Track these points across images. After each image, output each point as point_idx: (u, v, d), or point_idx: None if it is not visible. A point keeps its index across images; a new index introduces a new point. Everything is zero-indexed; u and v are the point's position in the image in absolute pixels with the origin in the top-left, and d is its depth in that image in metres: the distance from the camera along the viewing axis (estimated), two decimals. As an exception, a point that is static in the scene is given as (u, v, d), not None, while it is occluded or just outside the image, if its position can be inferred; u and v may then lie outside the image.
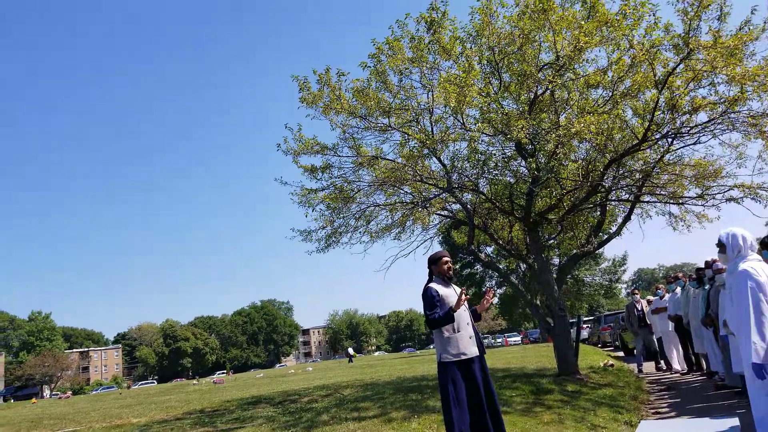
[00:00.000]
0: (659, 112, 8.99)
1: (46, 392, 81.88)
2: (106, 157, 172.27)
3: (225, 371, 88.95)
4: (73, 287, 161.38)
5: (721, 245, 4.79)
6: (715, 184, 10.80)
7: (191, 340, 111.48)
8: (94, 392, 63.04)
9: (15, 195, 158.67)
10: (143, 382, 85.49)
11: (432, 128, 10.14)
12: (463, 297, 4.68)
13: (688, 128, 9.42)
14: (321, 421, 7.25)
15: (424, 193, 11.76)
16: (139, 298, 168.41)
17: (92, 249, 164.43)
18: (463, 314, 4.83)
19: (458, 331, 4.76)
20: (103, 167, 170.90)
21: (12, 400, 57.03)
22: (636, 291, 13.27)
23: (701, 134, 9.55)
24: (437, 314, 4.74)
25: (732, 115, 8.98)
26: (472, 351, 4.76)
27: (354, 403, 8.71)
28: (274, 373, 40.88)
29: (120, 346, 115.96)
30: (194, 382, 44.92)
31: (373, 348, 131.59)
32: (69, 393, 72.63)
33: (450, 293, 4.87)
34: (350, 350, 52.20)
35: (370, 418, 7.05)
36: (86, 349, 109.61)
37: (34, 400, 40.47)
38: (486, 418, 4.64)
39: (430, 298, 4.83)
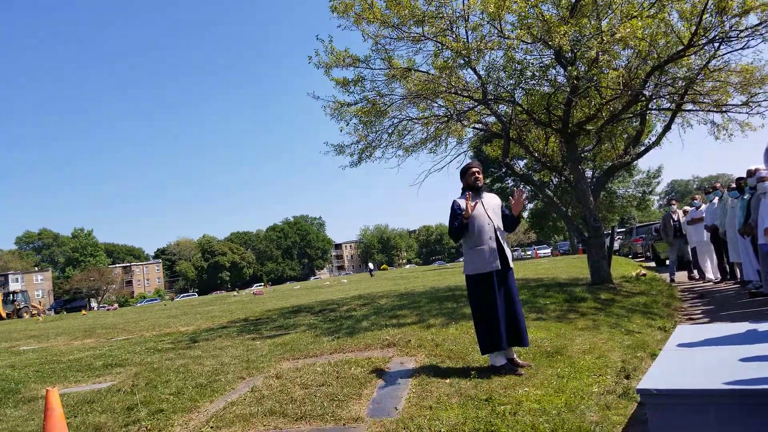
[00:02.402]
0: (707, 15, 8.56)
1: (94, 305, 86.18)
2: (146, 72, 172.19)
3: (263, 283, 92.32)
4: (111, 205, 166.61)
5: None
6: (761, 90, 10.43)
7: (228, 255, 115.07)
8: (138, 304, 66.21)
9: (55, 114, 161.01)
10: (185, 294, 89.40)
11: (467, 36, 9.83)
12: (471, 203, 4.74)
13: (737, 32, 8.99)
14: (361, 327, 7.55)
15: (458, 106, 11.57)
16: (175, 215, 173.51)
17: (125, 167, 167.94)
18: (486, 227, 4.84)
19: (479, 245, 4.84)
20: (144, 82, 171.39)
21: (64, 312, 60.46)
22: (673, 201, 13.19)
23: (750, 38, 9.12)
24: (455, 225, 4.89)
25: (786, 17, 8.52)
26: (494, 265, 4.77)
27: (392, 311, 8.98)
28: (310, 285, 42.20)
29: (160, 261, 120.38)
30: (234, 293, 46.86)
31: (404, 261, 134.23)
32: (115, 305, 76.49)
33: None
34: (370, 265, 54.34)
35: (409, 324, 7.30)
36: (128, 264, 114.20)
37: (83, 311, 42.81)
38: (507, 330, 4.73)
39: (452, 210, 4.98)
